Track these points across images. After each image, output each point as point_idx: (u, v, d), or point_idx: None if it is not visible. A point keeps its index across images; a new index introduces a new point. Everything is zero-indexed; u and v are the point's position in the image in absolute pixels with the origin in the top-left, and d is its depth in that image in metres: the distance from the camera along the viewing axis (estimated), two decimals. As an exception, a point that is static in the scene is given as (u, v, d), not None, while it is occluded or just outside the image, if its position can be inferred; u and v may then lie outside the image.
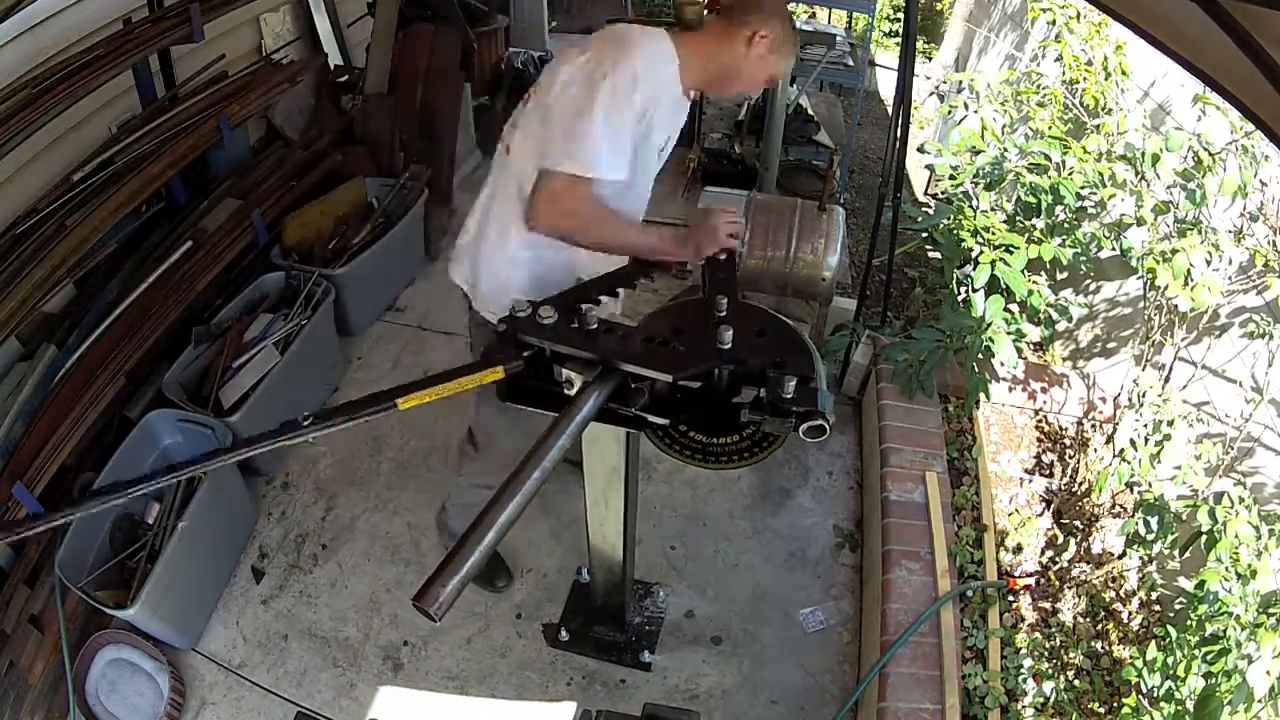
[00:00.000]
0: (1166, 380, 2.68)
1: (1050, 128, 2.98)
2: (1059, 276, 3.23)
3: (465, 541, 1.06)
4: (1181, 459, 2.32)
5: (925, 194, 4.82)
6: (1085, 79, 3.04)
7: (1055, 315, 2.84)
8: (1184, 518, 2.17)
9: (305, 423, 1.31)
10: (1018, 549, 2.74)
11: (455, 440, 2.49)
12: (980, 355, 2.66)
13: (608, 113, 1.55)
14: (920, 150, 3.46)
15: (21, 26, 2.46)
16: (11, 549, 2.26)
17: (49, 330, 2.59)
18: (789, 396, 1.29)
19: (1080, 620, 2.52)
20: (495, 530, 1.09)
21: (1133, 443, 2.43)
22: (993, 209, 2.88)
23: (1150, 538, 2.23)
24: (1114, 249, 2.75)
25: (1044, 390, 3.24)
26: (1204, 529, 2.00)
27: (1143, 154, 2.57)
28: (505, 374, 1.39)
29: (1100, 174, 2.69)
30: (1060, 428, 3.19)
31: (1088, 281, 3.27)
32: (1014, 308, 2.67)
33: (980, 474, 2.84)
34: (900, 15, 5.76)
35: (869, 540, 2.62)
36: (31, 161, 2.56)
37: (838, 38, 4.56)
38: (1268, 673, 1.68)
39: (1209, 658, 1.85)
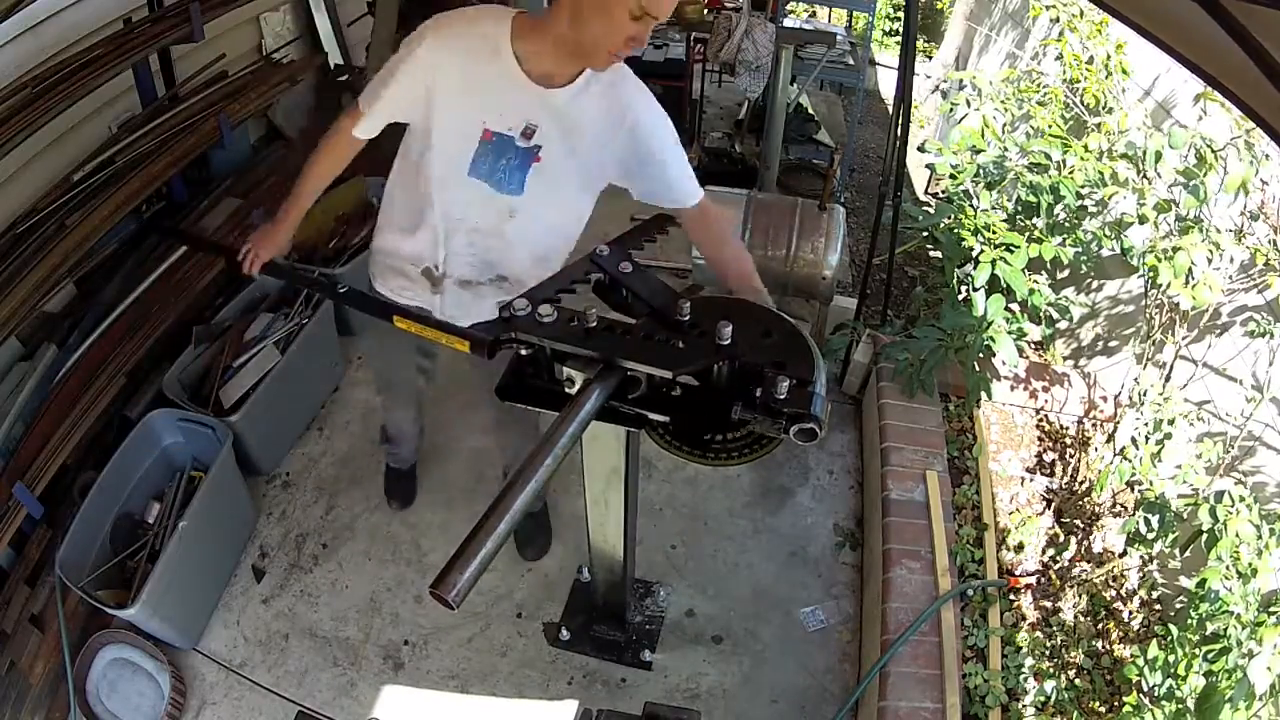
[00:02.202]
0: (1167, 379, 2.68)
1: (1051, 126, 2.98)
2: (1060, 275, 3.23)
3: (479, 530, 1.08)
4: (1182, 458, 2.32)
5: (926, 193, 4.82)
6: (1086, 77, 3.04)
7: (1056, 314, 2.84)
8: (1185, 517, 2.17)
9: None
10: (1018, 548, 2.74)
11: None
12: (981, 354, 2.66)
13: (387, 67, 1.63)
14: (921, 149, 3.47)
15: (21, 26, 2.45)
16: (12, 549, 2.26)
17: (49, 330, 2.60)
18: (782, 397, 1.29)
19: (1081, 619, 2.52)
20: (507, 520, 1.10)
21: (1134, 441, 2.43)
22: (993, 208, 2.88)
23: (1151, 536, 2.23)
24: (1114, 248, 2.75)
25: (1045, 389, 3.23)
26: (1205, 528, 2.00)
27: (1144, 152, 2.57)
28: (470, 349, 1.45)
29: (1101, 172, 2.69)
30: (1061, 426, 3.19)
31: (1089, 280, 3.27)
32: (1015, 307, 2.67)
33: (981, 473, 2.84)
34: (900, 14, 5.76)
35: (869, 539, 2.62)
36: (31, 161, 2.55)
37: (838, 37, 4.56)
38: (1269, 669, 1.68)
39: (1210, 656, 1.85)
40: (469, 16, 1.60)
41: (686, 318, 1.47)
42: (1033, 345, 3.39)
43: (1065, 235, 2.77)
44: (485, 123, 1.62)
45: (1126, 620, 2.52)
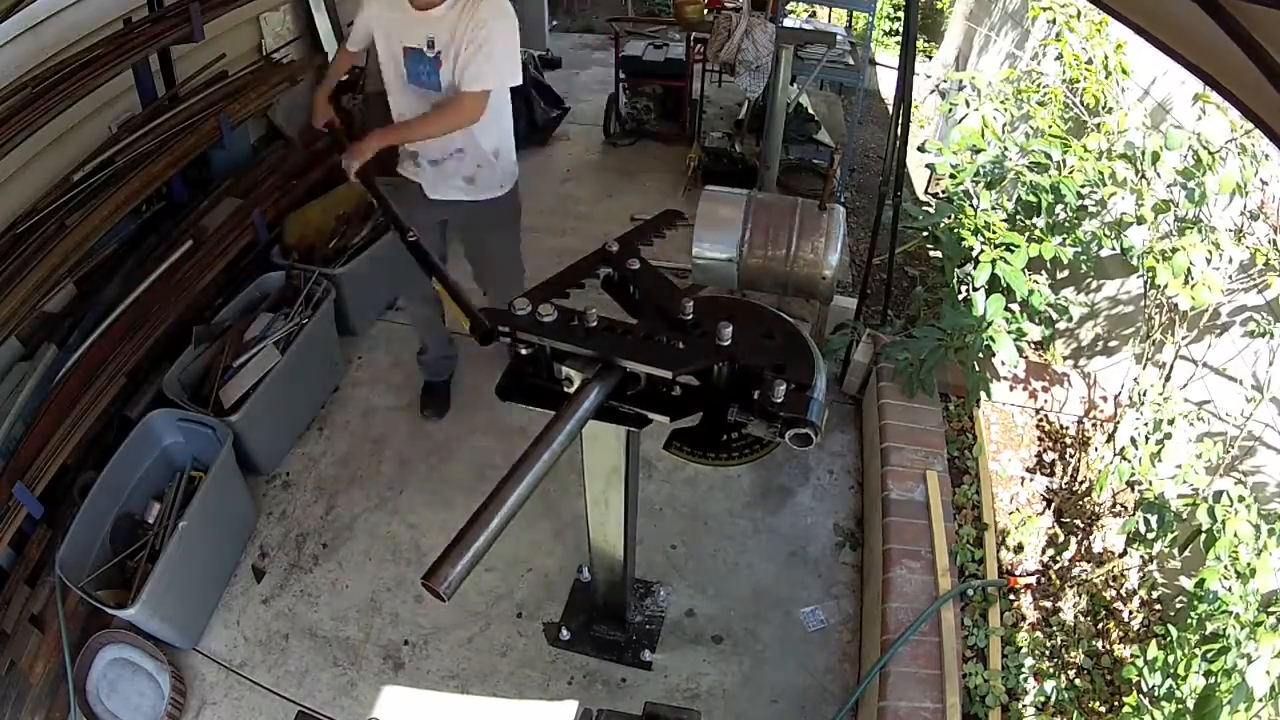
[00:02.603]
0: (1167, 379, 2.68)
1: (1050, 126, 2.98)
2: (1060, 275, 3.22)
3: (472, 524, 1.09)
4: (1182, 458, 2.31)
5: (926, 192, 4.82)
6: (1085, 78, 3.04)
7: (1055, 314, 2.84)
8: (1184, 517, 2.17)
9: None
10: (1018, 548, 2.74)
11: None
12: (981, 354, 2.65)
13: None
14: (921, 149, 3.47)
15: (22, 26, 2.46)
16: (12, 548, 2.26)
17: (49, 330, 2.60)
18: (778, 401, 1.28)
19: (1081, 619, 2.52)
20: (501, 515, 1.12)
21: (1133, 441, 2.42)
22: (993, 208, 2.88)
23: (1151, 536, 2.23)
24: (1114, 248, 2.74)
25: (1045, 389, 3.23)
26: (1203, 528, 2.00)
27: (1143, 152, 2.57)
28: (469, 329, 1.56)
29: (1100, 173, 2.69)
30: (1061, 426, 3.19)
31: (1089, 280, 3.27)
32: (1015, 306, 2.67)
33: (981, 473, 2.84)
34: (900, 14, 5.75)
35: (869, 539, 2.62)
36: (32, 161, 2.56)
37: (838, 36, 4.55)
38: (1267, 672, 1.68)
39: (1209, 656, 1.85)
40: None
41: (689, 316, 1.47)
42: (1032, 345, 3.38)
43: (1065, 235, 2.76)
44: (402, 41, 2.32)
45: (1126, 620, 2.52)
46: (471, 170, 2.50)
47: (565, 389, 1.44)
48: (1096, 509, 2.79)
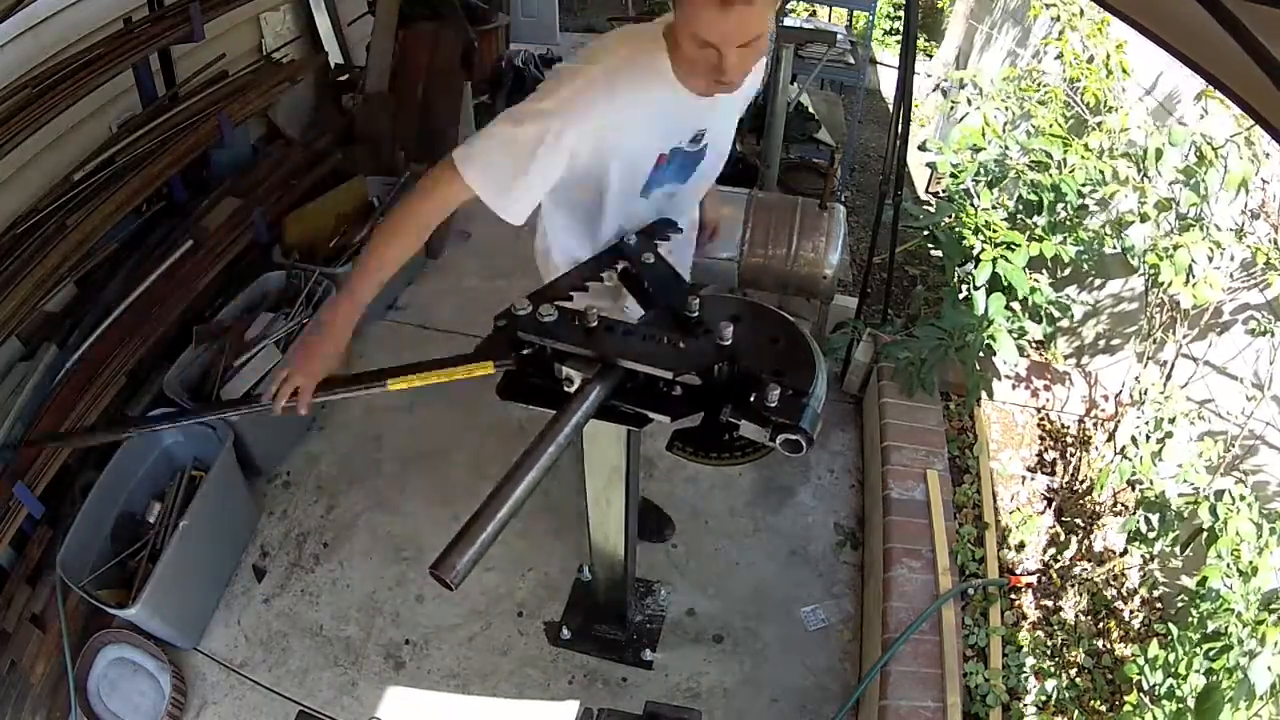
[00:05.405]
0: (1169, 377, 2.67)
1: (1051, 125, 2.98)
2: (1061, 274, 3.22)
3: (480, 515, 1.10)
4: (1183, 457, 2.31)
5: (926, 192, 4.81)
6: (1086, 76, 3.03)
7: (1057, 313, 2.84)
8: (1185, 515, 2.17)
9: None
10: (1019, 547, 2.74)
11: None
12: (981, 353, 2.65)
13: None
14: (921, 148, 3.47)
15: (21, 26, 2.46)
16: (12, 548, 2.26)
17: (50, 330, 2.60)
18: (772, 405, 1.28)
19: (1082, 618, 2.52)
20: (506, 509, 1.13)
21: (1134, 440, 2.42)
22: (994, 206, 2.88)
23: (1152, 535, 2.23)
24: (1116, 246, 2.74)
25: (1046, 388, 3.23)
26: (1205, 526, 2.00)
27: (1145, 150, 2.57)
28: (494, 369, 1.39)
29: (1101, 171, 2.68)
30: (1062, 425, 3.19)
31: (1090, 278, 3.26)
32: (1016, 305, 2.66)
33: (981, 472, 2.84)
34: (901, 13, 5.75)
35: (870, 538, 2.62)
36: (32, 161, 2.56)
37: (838, 36, 4.54)
38: (1269, 669, 1.68)
39: (1210, 654, 1.85)
40: (621, 60, 1.42)
41: (695, 314, 1.46)
42: (1034, 344, 3.38)
43: (1067, 234, 2.76)
44: (659, 150, 1.56)
45: (1127, 619, 2.52)
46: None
47: (566, 389, 1.43)
48: (1097, 508, 2.78)
